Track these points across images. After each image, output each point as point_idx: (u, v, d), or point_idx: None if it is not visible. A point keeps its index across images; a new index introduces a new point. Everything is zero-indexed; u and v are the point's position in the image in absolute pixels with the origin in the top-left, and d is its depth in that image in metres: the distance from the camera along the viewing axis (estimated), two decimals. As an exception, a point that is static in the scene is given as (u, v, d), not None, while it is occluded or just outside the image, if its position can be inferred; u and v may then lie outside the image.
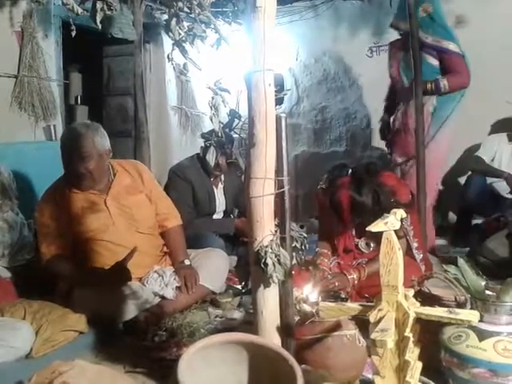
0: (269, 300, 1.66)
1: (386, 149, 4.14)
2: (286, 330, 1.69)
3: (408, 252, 2.53)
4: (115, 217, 2.57)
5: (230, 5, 4.45)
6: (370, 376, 1.73)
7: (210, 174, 3.54)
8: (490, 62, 4.13)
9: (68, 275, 2.48)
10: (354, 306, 1.56)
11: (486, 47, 4.14)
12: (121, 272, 2.39)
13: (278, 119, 1.63)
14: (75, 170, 2.50)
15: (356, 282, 2.49)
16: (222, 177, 3.63)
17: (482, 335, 1.61)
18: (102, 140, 2.56)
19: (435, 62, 3.59)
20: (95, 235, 2.53)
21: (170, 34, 1.80)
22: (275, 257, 1.58)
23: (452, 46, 3.54)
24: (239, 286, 2.89)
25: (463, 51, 3.56)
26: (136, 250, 2.39)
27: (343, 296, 2.48)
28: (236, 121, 4.22)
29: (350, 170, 2.54)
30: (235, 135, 4.64)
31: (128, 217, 2.61)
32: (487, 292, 1.73)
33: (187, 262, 2.68)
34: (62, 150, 2.52)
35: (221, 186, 3.63)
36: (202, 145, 3.55)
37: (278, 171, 1.65)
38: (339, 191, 2.45)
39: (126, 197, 2.63)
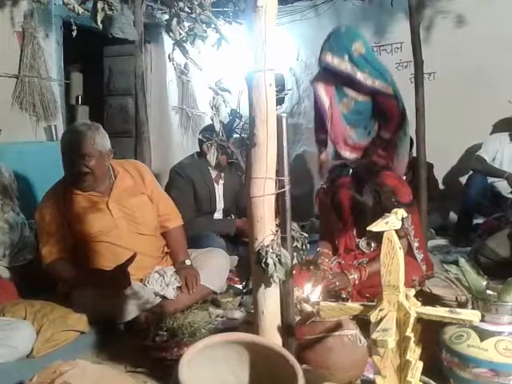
0: (270, 300, 1.66)
1: None
2: (286, 329, 1.69)
3: (409, 252, 2.53)
4: (117, 219, 2.56)
5: (231, 5, 4.46)
6: (370, 376, 1.73)
7: (212, 167, 3.52)
8: (489, 62, 4.14)
9: (69, 278, 2.48)
10: (354, 306, 1.56)
11: (486, 47, 4.15)
12: (120, 277, 2.38)
13: (279, 119, 1.63)
14: (76, 169, 2.49)
15: (357, 281, 2.49)
16: (222, 174, 3.63)
17: (484, 335, 1.61)
18: (102, 140, 2.55)
19: (367, 100, 3.36)
20: (97, 237, 2.53)
21: (171, 34, 1.81)
22: (276, 257, 1.58)
23: (389, 90, 3.29)
24: (240, 286, 2.89)
25: (398, 93, 3.32)
26: (136, 256, 2.38)
27: (344, 296, 2.47)
28: (237, 121, 4.21)
29: (351, 170, 2.53)
30: (236, 135, 4.63)
31: (130, 219, 2.60)
32: (488, 292, 1.73)
33: (188, 262, 2.67)
34: (63, 151, 2.52)
35: (221, 182, 3.63)
36: (202, 143, 3.54)
37: (279, 171, 1.65)
38: (340, 191, 2.45)
39: (127, 199, 2.62)
